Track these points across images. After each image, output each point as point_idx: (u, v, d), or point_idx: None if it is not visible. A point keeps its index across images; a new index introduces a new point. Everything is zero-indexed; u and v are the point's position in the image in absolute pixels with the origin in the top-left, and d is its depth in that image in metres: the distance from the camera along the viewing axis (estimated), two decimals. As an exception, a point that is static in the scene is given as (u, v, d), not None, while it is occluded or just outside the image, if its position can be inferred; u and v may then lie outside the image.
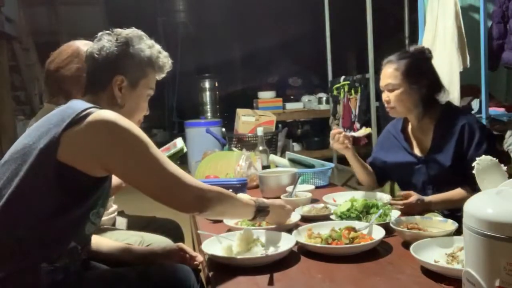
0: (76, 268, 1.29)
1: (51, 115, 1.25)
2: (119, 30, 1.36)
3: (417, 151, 1.98)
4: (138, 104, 1.39)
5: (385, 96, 1.93)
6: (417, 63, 1.91)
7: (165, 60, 1.41)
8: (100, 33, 1.36)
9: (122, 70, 1.33)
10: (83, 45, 1.73)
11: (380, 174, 2.13)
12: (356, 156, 2.09)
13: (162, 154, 1.25)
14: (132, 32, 1.36)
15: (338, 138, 2.01)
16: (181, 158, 4.54)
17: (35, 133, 1.21)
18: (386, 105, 1.94)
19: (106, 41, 1.33)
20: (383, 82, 1.93)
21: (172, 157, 2.09)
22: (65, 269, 1.22)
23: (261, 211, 1.44)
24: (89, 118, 1.19)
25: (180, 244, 1.54)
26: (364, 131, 2.09)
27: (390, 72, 1.89)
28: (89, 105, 1.23)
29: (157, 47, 1.41)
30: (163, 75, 1.45)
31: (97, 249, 1.48)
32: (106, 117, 1.19)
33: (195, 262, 1.46)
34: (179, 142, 2.12)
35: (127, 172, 1.23)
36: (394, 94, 1.89)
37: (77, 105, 1.24)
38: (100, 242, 1.50)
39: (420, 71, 1.90)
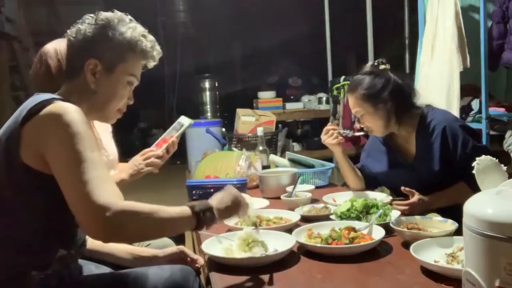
0: (70, 273, 1.26)
1: (16, 111, 1.18)
2: (101, 12, 1.27)
3: (403, 159, 1.99)
4: (116, 91, 1.28)
5: (361, 122, 1.98)
6: (372, 82, 1.91)
7: (149, 44, 1.30)
8: (84, 16, 1.28)
9: (96, 53, 1.23)
10: (50, 44, 1.73)
11: (369, 180, 2.14)
12: (346, 156, 2.11)
13: (98, 159, 1.11)
14: (113, 14, 1.28)
15: (332, 133, 2.05)
16: (181, 158, 4.52)
17: (1, 131, 1.16)
18: (365, 129, 1.98)
19: (85, 24, 1.25)
20: (352, 111, 1.98)
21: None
22: (58, 275, 1.19)
23: (203, 212, 1.18)
24: (43, 111, 1.11)
25: (181, 247, 1.52)
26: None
27: (353, 102, 1.94)
28: (49, 96, 1.15)
29: (140, 29, 1.30)
30: (154, 63, 1.34)
31: (99, 250, 1.47)
32: (54, 110, 1.11)
33: (196, 265, 1.45)
34: (184, 120, 2.08)
35: (55, 168, 1.09)
36: (366, 119, 1.93)
37: (38, 97, 1.16)
38: (102, 243, 1.50)
39: (377, 88, 1.90)
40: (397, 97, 1.90)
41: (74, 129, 1.09)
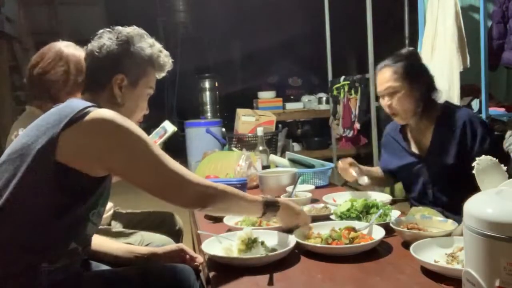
0: (76, 268, 1.28)
1: (49, 114, 1.23)
2: (120, 28, 1.35)
3: (416, 151, 1.98)
4: (138, 103, 1.38)
5: (385, 101, 1.92)
6: (413, 64, 1.91)
7: (166, 59, 1.40)
8: (101, 31, 1.34)
9: (122, 68, 1.31)
10: (65, 47, 1.73)
11: (389, 177, 2.16)
12: (363, 170, 2.08)
13: (162, 151, 1.25)
14: (133, 30, 1.35)
15: (349, 172, 1.99)
16: (181, 158, 4.54)
17: (33, 132, 1.20)
18: (388, 111, 1.92)
19: (106, 39, 1.31)
20: (382, 87, 1.92)
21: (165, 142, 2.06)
22: (66, 269, 1.22)
23: (270, 206, 1.40)
24: (88, 117, 1.17)
25: (181, 245, 1.54)
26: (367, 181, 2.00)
27: (388, 76, 1.89)
28: (87, 103, 1.22)
29: (158, 46, 1.39)
30: (163, 74, 1.44)
31: (98, 250, 1.47)
32: (105, 116, 1.18)
33: (196, 263, 1.46)
34: (168, 127, 2.08)
35: (129, 172, 1.22)
36: (396, 98, 1.88)
37: (76, 104, 1.22)
38: (101, 242, 1.50)
39: (417, 71, 1.91)
40: (431, 88, 1.91)
41: (135, 132, 1.20)
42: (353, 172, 1.96)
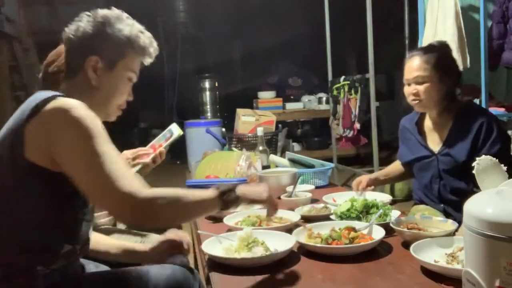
0: (74, 270, 1.27)
1: (19, 108, 1.18)
2: (98, 10, 1.29)
3: (430, 145, 1.98)
4: (116, 87, 1.30)
5: (411, 89, 1.90)
6: (445, 56, 1.91)
7: (147, 40, 1.32)
8: (81, 14, 1.29)
9: (97, 50, 1.25)
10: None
11: (407, 169, 2.17)
12: (382, 180, 2.19)
13: (113, 151, 1.13)
14: (111, 12, 1.29)
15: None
16: (181, 159, 4.53)
17: (4, 130, 1.16)
18: (412, 97, 1.91)
19: (83, 21, 1.26)
20: (410, 75, 1.90)
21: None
22: (63, 271, 1.20)
23: (227, 193, 1.22)
24: (47, 107, 1.12)
25: (167, 235, 1.52)
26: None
27: (419, 65, 1.87)
28: (52, 93, 1.16)
29: (138, 27, 1.32)
30: (150, 60, 1.36)
31: (96, 248, 1.47)
32: (60, 105, 1.12)
33: (185, 247, 1.47)
34: (175, 130, 2.08)
35: (68, 165, 1.10)
36: (424, 87, 1.87)
37: (40, 95, 1.16)
38: (99, 240, 1.50)
39: (448, 64, 1.91)
40: (457, 82, 1.92)
41: (84, 124, 1.10)
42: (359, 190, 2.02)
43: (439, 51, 1.90)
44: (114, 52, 1.28)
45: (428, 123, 2.02)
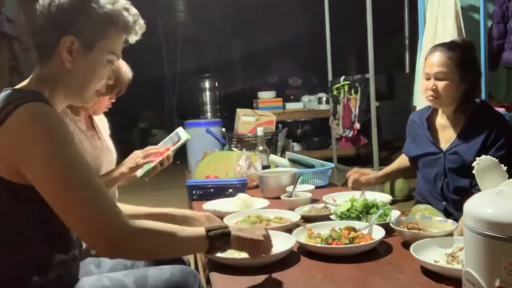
0: (71, 277, 1.23)
1: None
2: None
3: (439, 142, 1.98)
4: (95, 71, 1.17)
5: (430, 83, 1.88)
6: (469, 55, 1.90)
7: (131, 18, 1.17)
8: None
9: (72, 29, 1.11)
10: None
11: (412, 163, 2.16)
12: (381, 178, 2.23)
13: (86, 170, 1.04)
14: None
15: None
16: (181, 159, 4.53)
17: None
18: (430, 93, 1.88)
19: None
20: (432, 70, 1.87)
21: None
22: (59, 280, 1.16)
23: (217, 236, 1.12)
24: (12, 115, 1.01)
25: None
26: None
27: (442, 61, 1.86)
28: (15, 96, 1.05)
29: (122, 2, 1.17)
30: (136, 38, 1.22)
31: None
32: (25, 115, 1.01)
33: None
34: (182, 134, 2.09)
35: (37, 183, 1.01)
36: (444, 84, 1.85)
37: (2, 97, 1.07)
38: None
39: (471, 64, 1.89)
40: (477, 83, 1.92)
41: (54, 138, 1.01)
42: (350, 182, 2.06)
43: (463, 49, 1.88)
44: (93, 32, 1.13)
45: (439, 120, 2.00)
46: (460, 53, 1.86)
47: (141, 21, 1.21)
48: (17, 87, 1.15)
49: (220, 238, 1.13)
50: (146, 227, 1.06)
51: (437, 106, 1.96)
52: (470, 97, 1.91)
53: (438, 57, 1.87)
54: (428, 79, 1.90)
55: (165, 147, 2.03)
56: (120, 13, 1.15)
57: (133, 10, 1.19)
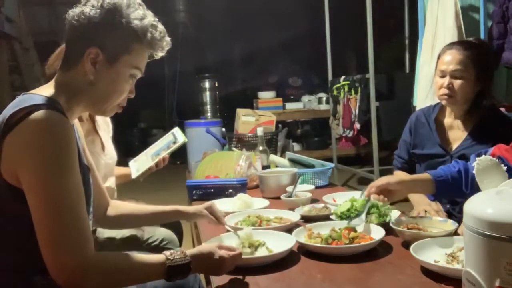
0: None
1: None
2: None
3: (446, 144, 1.96)
4: (116, 85, 1.17)
5: (446, 81, 1.85)
6: (487, 56, 1.88)
7: (158, 36, 1.18)
8: None
9: (98, 41, 1.12)
10: None
11: (409, 163, 2.07)
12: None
13: (71, 190, 1.02)
14: None
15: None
16: (181, 159, 4.53)
17: None
18: (444, 91, 1.85)
19: (88, 6, 1.12)
20: (449, 67, 1.84)
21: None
22: None
23: (176, 270, 1.09)
24: (24, 121, 1.01)
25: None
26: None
27: (460, 59, 1.83)
28: (32, 101, 1.05)
29: (150, 19, 1.17)
30: (162, 54, 1.23)
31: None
32: (34, 123, 1.01)
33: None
34: (179, 137, 2.09)
35: (27, 194, 1.02)
36: (460, 82, 1.83)
37: (20, 102, 1.06)
38: (120, 206, 1.51)
39: (488, 64, 1.88)
40: (490, 85, 1.90)
41: (52, 153, 1.00)
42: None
43: (480, 49, 1.87)
44: (118, 46, 1.14)
45: (448, 120, 1.97)
46: (478, 53, 1.84)
47: (167, 38, 1.21)
48: (35, 91, 1.15)
49: (179, 270, 1.11)
50: (106, 266, 1.04)
51: (449, 105, 1.92)
52: (483, 97, 1.89)
53: (455, 55, 1.84)
54: (443, 76, 1.87)
55: (162, 150, 2.05)
56: (147, 30, 1.16)
57: (160, 27, 1.20)
